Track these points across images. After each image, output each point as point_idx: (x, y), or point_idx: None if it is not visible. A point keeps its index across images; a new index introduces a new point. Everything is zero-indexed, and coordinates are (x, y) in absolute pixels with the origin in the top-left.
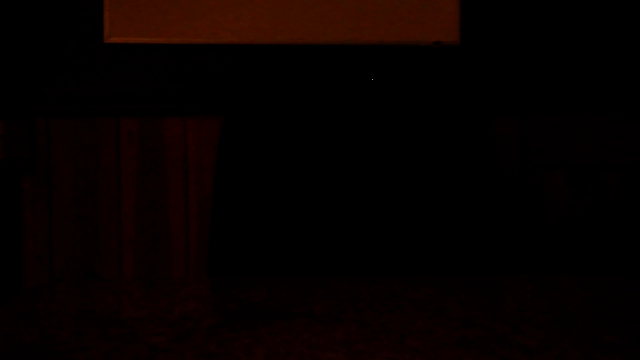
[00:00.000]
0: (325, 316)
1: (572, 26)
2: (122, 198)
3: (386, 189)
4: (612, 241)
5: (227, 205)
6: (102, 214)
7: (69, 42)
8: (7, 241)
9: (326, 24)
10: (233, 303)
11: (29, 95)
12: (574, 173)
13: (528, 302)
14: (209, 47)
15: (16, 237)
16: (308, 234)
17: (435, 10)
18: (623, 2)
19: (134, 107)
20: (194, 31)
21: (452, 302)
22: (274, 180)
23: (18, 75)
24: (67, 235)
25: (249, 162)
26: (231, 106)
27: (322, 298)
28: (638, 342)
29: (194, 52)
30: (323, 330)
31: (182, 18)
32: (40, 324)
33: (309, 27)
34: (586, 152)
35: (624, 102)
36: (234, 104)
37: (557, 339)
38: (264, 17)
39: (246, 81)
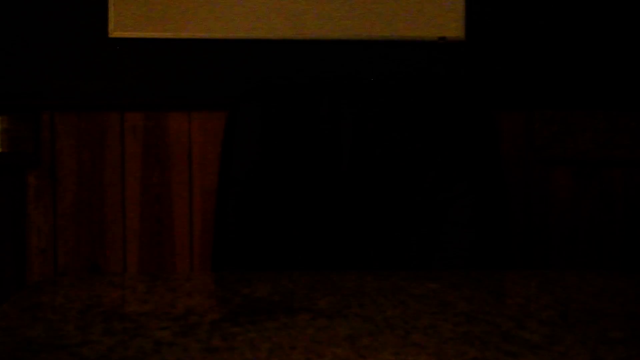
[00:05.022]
0: (330, 311)
1: (577, 21)
2: (127, 192)
3: (390, 183)
4: (616, 237)
5: (232, 199)
6: (106, 208)
7: (74, 36)
8: (12, 235)
9: (332, 19)
10: (237, 298)
11: (33, 89)
12: (579, 169)
13: (532, 298)
14: (214, 42)
15: (21, 231)
16: (313, 228)
17: (440, 6)
18: None
19: (139, 101)
20: (199, 26)
21: (457, 298)
22: (279, 173)
23: (23, 70)
24: (71, 229)
25: (254, 155)
26: (237, 97)
27: (326, 293)
28: None
29: (199, 46)
30: (327, 325)
31: (187, 13)
32: (45, 318)
33: (317, 22)
34: (591, 148)
35: (629, 98)
36: (241, 95)
37: (562, 334)
38: (271, 12)
39: (253, 75)
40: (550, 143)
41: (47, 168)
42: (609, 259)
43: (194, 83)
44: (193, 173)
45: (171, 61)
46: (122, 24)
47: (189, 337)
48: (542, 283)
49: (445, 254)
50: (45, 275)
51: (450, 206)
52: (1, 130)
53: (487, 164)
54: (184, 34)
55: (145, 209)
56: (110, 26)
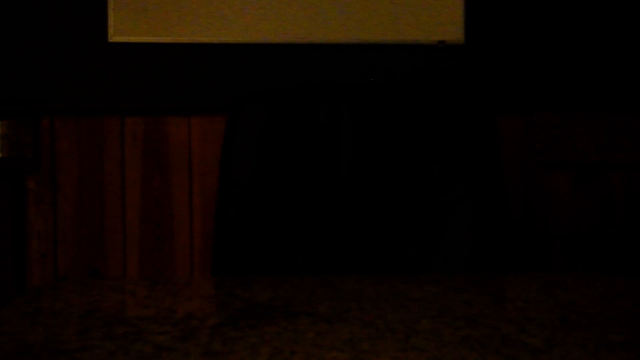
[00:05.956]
0: (330, 315)
1: (576, 25)
2: (127, 197)
3: (390, 186)
4: (616, 240)
5: (232, 203)
6: (106, 213)
7: (74, 41)
8: (12, 240)
9: (332, 23)
10: (238, 302)
11: (33, 94)
12: (578, 172)
13: (533, 301)
14: (214, 46)
15: (21, 236)
16: (313, 232)
17: (439, 10)
18: (628, 0)
19: (139, 106)
20: (198, 30)
21: (457, 301)
22: (279, 177)
23: (23, 75)
24: (71, 234)
25: (254, 158)
26: (237, 101)
27: (326, 297)
28: None
29: (198, 51)
30: (327, 330)
31: (186, 17)
32: (45, 323)
33: (317, 26)
34: (590, 151)
35: (629, 101)
36: (241, 99)
37: (562, 338)
38: (271, 16)
39: (253, 79)
40: (550, 146)
41: (47, 173)
42: (609, 262)
43: (193, 87)
44: (193, 177)
45: (171, 66)
46: (121, 29)
47: (189, 342)
48: (542, 286)
49: (445, 258)
50: (45, 280)
51: (451, 209)
52: (1, 135)
53: (487, 167)
54: (184, 39)
55: (145, 214)
56: (110, 31)
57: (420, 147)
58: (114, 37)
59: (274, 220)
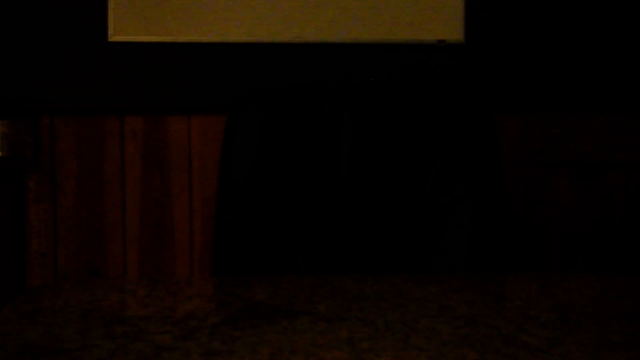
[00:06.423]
0: (330, 314)
1: (577, 24)
2: (127, 196)
3: (390, 186)
4: (616, 239)
5: (232, 203)
6: (106, 212)
7: (74, 40)
8: (12, 239)
9: (332, 23)
10: (237, 301)
11: (33, 93)
12: (579, 171)
13: (533, 301)
14: (214, 46)
15: (21, 235)
16: (313, 232)
17: (440, 9)
18: (628, 0)
19: (139, 105)
20: (199, 30)
21: (457, 301)
22: (279, 177)
23: (23, 74)
24: (71, 233)
25: (254, 158)
26: (238, 101)
27: (326, 296)
28: None
29: (199, 50)
30: (327, 329)
31: (186, 16)
32: (45, 323)
33: (316, 26)
34: (591, 151)
35: (629, 100)
36: (241, 99)
37: (562, 337)
38: (271, 16)
39: (253, 78)
40: (550, 145)
41: (47, 172)
42: (610, 261)
43: (193, 87)
44: (193, 177)
45: (171, 65)
46: (121, 28)
47: (190, 341)
48: (542, 286)
49: (446, 257)
50: (45, 279)
51: (451, 209)
52: (1, 135)
53: (487, 166)
54: (184, 38)
55: (145, 213)
56: (110, 30)
57: (420, 148)
58: (114, 36)
59: (274, 220)
